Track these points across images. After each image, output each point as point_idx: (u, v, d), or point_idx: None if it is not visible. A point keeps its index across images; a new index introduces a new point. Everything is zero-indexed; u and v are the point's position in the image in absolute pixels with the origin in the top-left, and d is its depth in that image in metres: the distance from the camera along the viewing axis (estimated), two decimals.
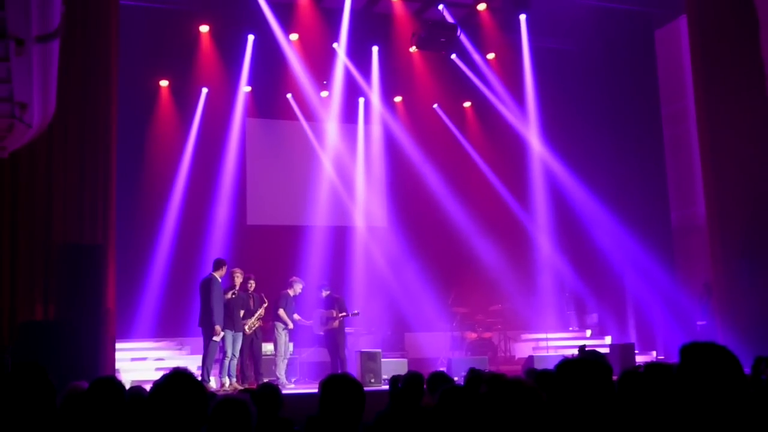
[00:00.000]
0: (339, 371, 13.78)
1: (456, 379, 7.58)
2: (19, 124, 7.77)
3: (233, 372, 13.29)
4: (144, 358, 14.89)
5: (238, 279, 13.56)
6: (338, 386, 4.22)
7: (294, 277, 14.77)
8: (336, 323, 14.34)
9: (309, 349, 15.70)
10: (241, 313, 13.47)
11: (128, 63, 14.71)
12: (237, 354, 13.36)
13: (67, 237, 12.41)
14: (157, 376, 3.45)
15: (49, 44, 6.36)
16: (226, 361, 13.10)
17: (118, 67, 13.21)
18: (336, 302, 14.58)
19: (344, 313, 14.44)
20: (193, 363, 13.58)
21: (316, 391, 4.37)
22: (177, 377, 3.29)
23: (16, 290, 11.89)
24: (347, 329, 15.76)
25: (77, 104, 12.52)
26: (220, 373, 13.04)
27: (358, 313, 14.96)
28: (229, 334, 13.15)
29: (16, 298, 11.86)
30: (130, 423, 4.70)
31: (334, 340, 14.37)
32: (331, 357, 14.57)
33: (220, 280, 13.23)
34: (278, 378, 13.76)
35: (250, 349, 13.83)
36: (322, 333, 14.56)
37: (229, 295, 13.27)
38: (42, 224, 12.22)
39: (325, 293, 14.83)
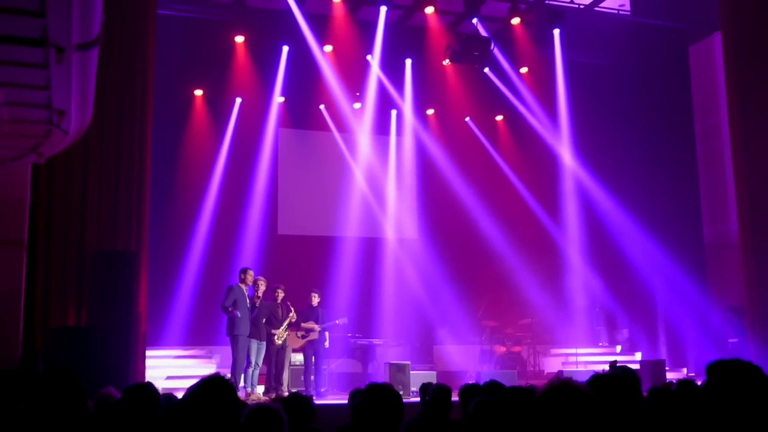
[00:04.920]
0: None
1: None
2: (57, 131, 7.84)
3: (255, 381, 13.31)
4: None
5: (261, 287, 13.62)
6: (377, 396, 4.21)
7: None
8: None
9: (338, 360, 15.71)
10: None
11: (164, 72, 14.83)
12: (260, 363, 13.41)
13: (101, 243, 12.53)
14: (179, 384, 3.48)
15: (89, 52, 6.43)
16: (249, 371, 13.15)
17: (155, 76, 13.33)
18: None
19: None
20: (221, 372, 13.60)
21: (345, 401, 4.38)
22: (212, 384, 3.32)
23: (50, 295, 12.01)
24: (376, 341, 15.82)
25: (114, 112, 12.68)
26: (244, 382, 13.09)
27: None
28: (254, 344, 13.21)
29: (49, 303, 11.97)
30: (164, 429, 4.74)
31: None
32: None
33: (245, 288, 13.30)
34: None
35: (276, 359, 13.85)
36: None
37: (256, 304, 13.36)
38: (76, 230, 12.34)
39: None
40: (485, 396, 4.98)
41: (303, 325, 14.30)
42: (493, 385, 6.46)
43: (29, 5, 5.29)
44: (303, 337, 14.24)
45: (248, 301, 13.32)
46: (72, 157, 11.92)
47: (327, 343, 14.53)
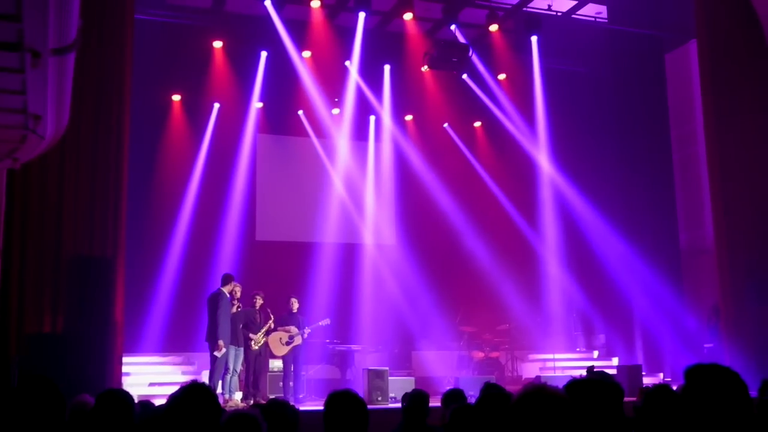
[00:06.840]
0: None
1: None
2: (32, 136, 7.79)
3: (234, 388, 13.24)
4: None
5: (238, 293, 13.57)
6: (341, 403, 4.21)
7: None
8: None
9: (316, 366, 15.67)
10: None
11: (142, 77, 14.76)
12: (238, 370, 13.34)
13: (77, 249, 12.42)
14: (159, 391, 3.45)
15: (65, 57, 6.39)
16: (228, 377, 13.06)
17: (132, 81, 13.26)
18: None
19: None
20: (199, 379, 13.50)
21: (322, 408, 4.37)
22: (194, 390, 3.30)
23: (25, 301, 11.88)
24: (354, 346, 15.80)
25: (90, 117, 12.55)
26: (222, 389, 13.02)
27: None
28: (232, 350, 13.14)
29: (24, 309, 11.84)
30: None
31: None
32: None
33: (228, 294, 13.24)
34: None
35: (254, 365, 13.79)
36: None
37: (233, 309, 13.29)
38: (52, 236, 12.23)
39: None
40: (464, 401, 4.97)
41: (280, 329, 14.21)
42: (490, 387, 6.38)
43: (5, 9, 5.25)
44: (287, 343, 14.19)
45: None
46: (48, 162, 11.82)
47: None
